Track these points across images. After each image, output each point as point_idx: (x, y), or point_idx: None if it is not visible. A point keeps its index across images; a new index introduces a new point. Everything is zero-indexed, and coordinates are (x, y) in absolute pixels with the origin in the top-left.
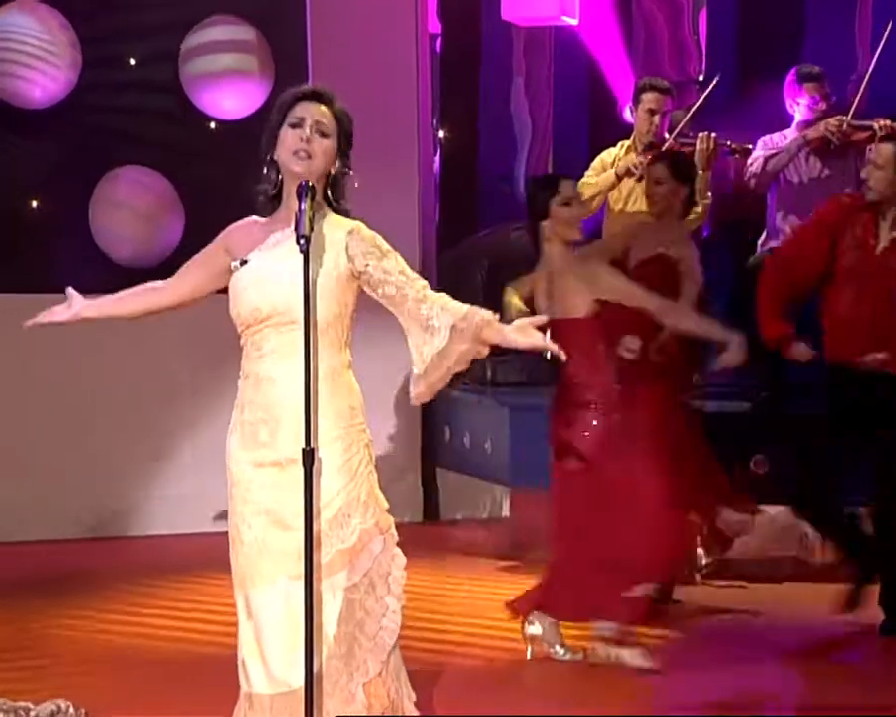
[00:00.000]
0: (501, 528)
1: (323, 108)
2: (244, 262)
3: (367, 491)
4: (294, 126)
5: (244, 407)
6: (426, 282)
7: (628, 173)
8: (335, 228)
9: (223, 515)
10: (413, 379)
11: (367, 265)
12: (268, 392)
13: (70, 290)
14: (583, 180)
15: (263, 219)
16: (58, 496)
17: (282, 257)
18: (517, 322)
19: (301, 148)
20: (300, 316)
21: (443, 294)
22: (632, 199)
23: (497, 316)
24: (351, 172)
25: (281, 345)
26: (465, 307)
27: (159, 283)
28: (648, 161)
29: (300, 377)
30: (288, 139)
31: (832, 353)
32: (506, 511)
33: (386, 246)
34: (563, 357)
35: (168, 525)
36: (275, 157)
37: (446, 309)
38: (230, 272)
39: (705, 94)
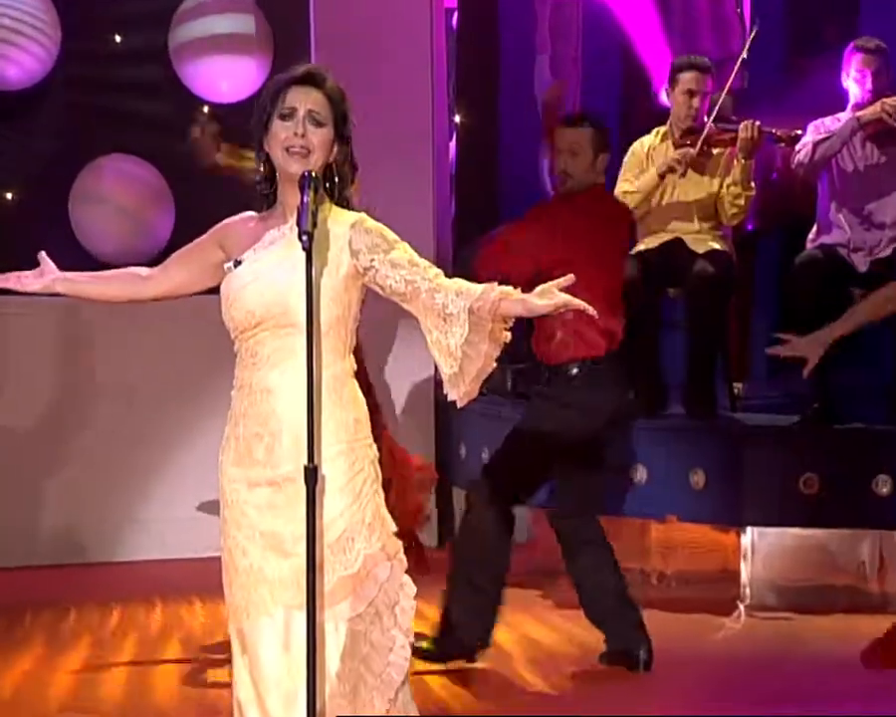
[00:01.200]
0: (522, 553)
1: (315, 93)
2: (238, 263)
3: (373, 512)
4: (285, 117)
5: (238, 420)
6: (439, 269)
7: (671, 171)
8: (335, 222)
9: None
10: (448, 380)
11: (373, 260)
12: (264, 404)
13: (43, 255)
14: (622, 188)
15: (258, 215)
16: (34, 519)
17: (278, 256)
18: (538, 288)
19: (295, 144)
20: (299, 319)
21: (457, 279)
22: (668, 190)
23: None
24: (353, 159)
25: (278, 351)
26: (479, 286)
27: (144, 270)
28: (697, 153)
29: (300, 387)
30: (280, 133)
31: None
32: (528, 534)
33: (392, 235)
34: (593, 311)
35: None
36: (266, 149)
37: (461, 293)
38: (222, 271)
39: (745, 49)
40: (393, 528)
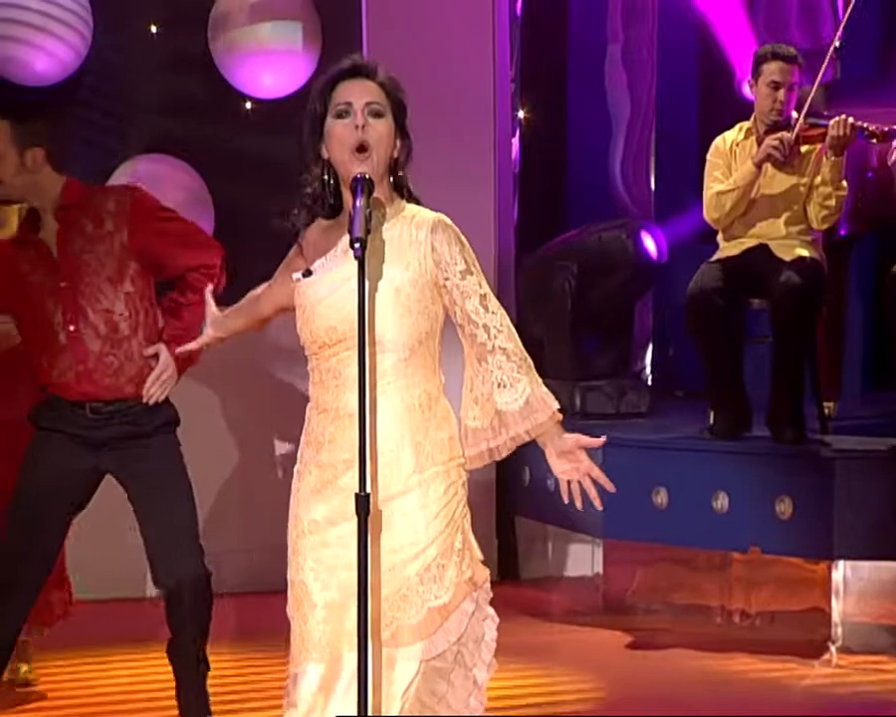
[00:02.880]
0: (591, 588)
1: (369, 83)
2: (308, 273)
3: (462, 537)
4: (340, 115)
5: (321, 446)
6: (505, 321)
7: (769, 158)
8: (414, 223)
9: None
10: (463, 429)
11: (447, 279)
12: (354, 429)
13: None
14: (714, 189)
15: (326, 222)
16: None
17: (355, 265)
18: (574, 438)
19: (356, 141)
20: (388, 336)
21: (517, 349)
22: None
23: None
24: (411, 151)
25: (367, 371)
26: (532, 395)
27: (258, 289)
28: (805, 132)
29: (393, 409)
30: (337, 132)
31: None
32: (597, 568)
33: (470, 254)
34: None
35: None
36: (324, 155)
37: (516, 384)
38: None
39: (836, 37)
40: (479, 555)
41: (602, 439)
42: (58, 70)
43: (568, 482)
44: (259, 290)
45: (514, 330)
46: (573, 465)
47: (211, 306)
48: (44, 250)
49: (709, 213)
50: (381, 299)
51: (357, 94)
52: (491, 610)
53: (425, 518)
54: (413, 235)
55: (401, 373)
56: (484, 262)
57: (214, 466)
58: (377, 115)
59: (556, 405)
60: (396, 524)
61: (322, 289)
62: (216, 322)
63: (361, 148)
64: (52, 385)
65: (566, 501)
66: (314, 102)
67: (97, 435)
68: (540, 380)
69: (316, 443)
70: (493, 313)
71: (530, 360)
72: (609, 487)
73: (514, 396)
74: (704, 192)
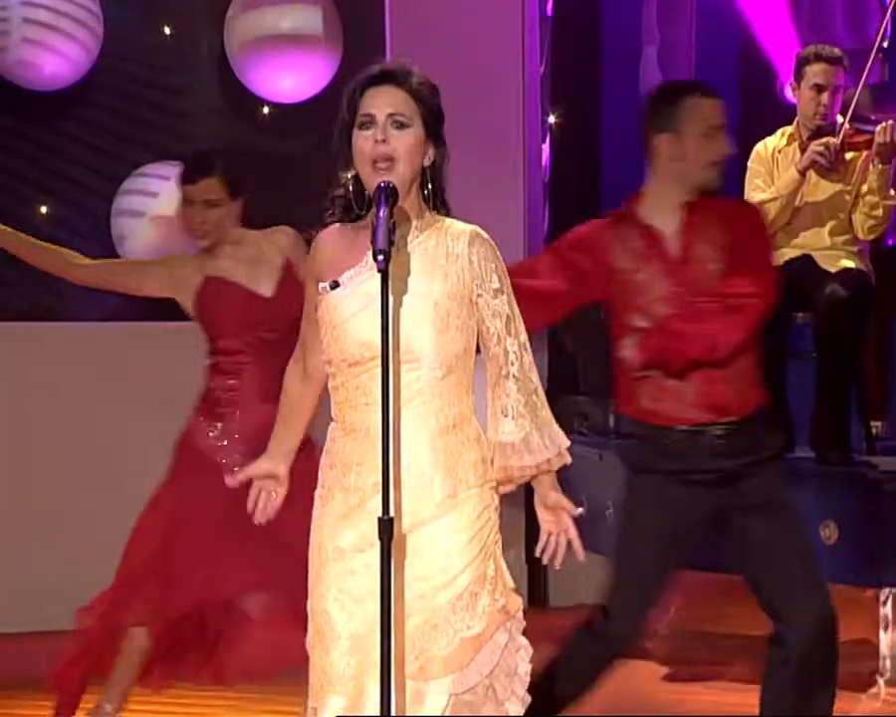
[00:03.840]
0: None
1: (395, 92)
2: (335, 284)
3: (495, 564)
4: (363, 126)
5: (348, 469)
6: (525, 349)
7: (814, 166)
8: (449, 235)
9: None
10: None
11: (480, 296)
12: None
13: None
14: (755, 198)
15: (349, 227)
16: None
17: (392, 278)
18: (556, 498)
19: (377, 154)
20: (425, 352)
21: (529, 382)
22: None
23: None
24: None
25: (399, 390)
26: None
27: (297, 370)
28: (850, 138)
29: (426, 430)
30: (359, 144)
31: None
32: None
33: (504, 273)
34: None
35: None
36: (356, 167)
37: (521, 417)
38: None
39: (879, 36)
40: (511, 583)
41: (579, 511)
42: (68, 72)
43: (548, 534)
44: (295, 372)
45: (532, 359)
46: (555, 519)
47: None
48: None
49: None
50: (419, 313)
51: (381, 104)
52: (524, 641)
53: (458, 544)
54: (450, 247)
55: (436, 393)
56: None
57: None
58: (401, 126)
59: (550, 455)
60: (427, 550)
61: (352, 303)
62: None
63: (381, 161)
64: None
65: (538, 553)
66: (343, 107)
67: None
68: (548, 419)
69: (342, 466)
70: (514, 338)
71: (541, 396)
72: (580, 556)
73: (512, 429)
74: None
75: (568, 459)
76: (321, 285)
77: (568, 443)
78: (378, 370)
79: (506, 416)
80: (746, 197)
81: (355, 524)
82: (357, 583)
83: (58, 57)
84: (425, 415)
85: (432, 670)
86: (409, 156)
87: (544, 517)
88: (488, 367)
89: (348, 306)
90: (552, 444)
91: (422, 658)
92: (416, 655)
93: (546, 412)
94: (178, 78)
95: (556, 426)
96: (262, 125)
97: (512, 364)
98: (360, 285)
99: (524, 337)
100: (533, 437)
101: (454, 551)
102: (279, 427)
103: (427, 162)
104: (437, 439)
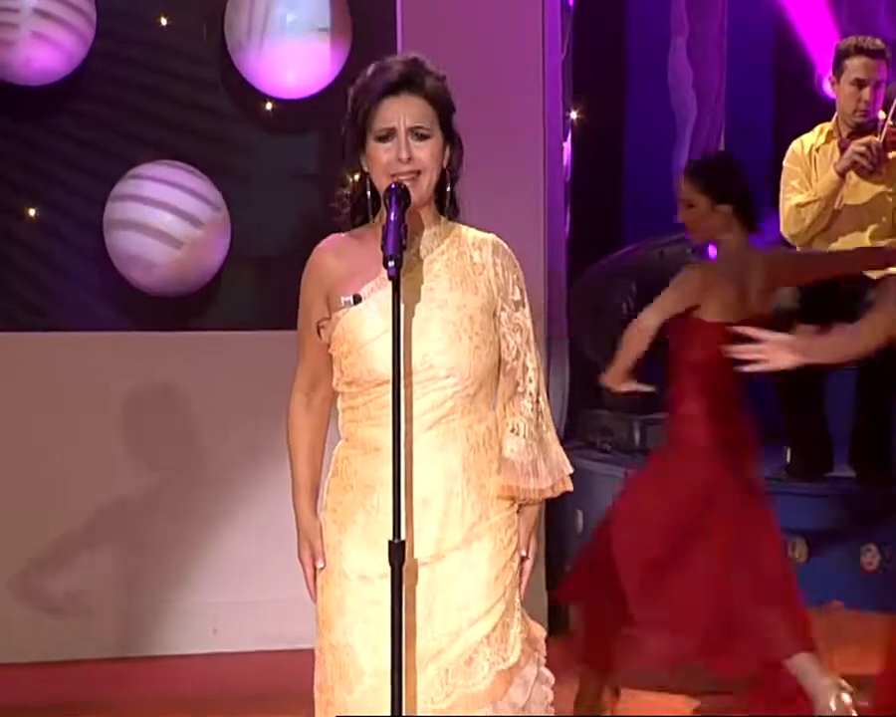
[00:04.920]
0: None
1: (415, 100)
2: (358, 299)
3: (521, 592)
4: (383, 138)
5: (370, 492)
6: (540, 366)
7: (854, 166)
8: (472, 244)
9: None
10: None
11: (502, 309)
12: (416, 469)
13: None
14: (792, 201)
15: (354, 235)
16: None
17: (415, 291)
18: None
19: (402, 170)
20: (461, 369)
21: (542, 401)
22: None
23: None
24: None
25: (429, 410)
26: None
27: (304, 402)
28: (893, 136)
29: (455, 450)
30: (380, 156)
31: None
32: None
33: (524, 284)
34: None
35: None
36: (365, 168)
37: (526, 447)
38: (336, 307)
39: None
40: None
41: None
42: (61, 64)
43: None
44: (300, 404)
45: (543, 377)
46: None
47: None
48: None
49: (786, 228)
50: (453, 327)
51: (402, 115)
52: (547, 672)
53: (493, 572)
54: (476, 257)
55: (468, 409)
56: (532, 281)
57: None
58: (423, 137)
59: (553, 481)
60: (460, 579)
61: (378, 321)
62: None
63: (405, 176)
64: None
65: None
66: (355, 113)
67: None
68: (552, 442)
69: (362, 488)
70: (534, 353)
71: (548, 418)
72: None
73: (522, 449)
74: (780, 204)
75: (570, 486)
76: (343, 300)
77: (571, 470)
78: (408, 387)
79: (517, 435)
80: (781, 199)
81: (379, 552)
82: (384, 613)
83: (48, 49)
84: (457, 433)
85: (464, 707)
86: (434, 165)
87: (525, 542)
88: (502, 382)
89: (375, 323)
90: (555, 470)
91: (454, 696)
92: (448, 693)
93: (550, 434)
94: (175, 70)
95: (558, 448)
96: (266, 123)
97: (530, 381)
98: (385, 300)
99: (538, 350)
100: (539, 462)
101: (491, 579)
102: (304, 470)
103: (445, 164)
104: (469, 458)
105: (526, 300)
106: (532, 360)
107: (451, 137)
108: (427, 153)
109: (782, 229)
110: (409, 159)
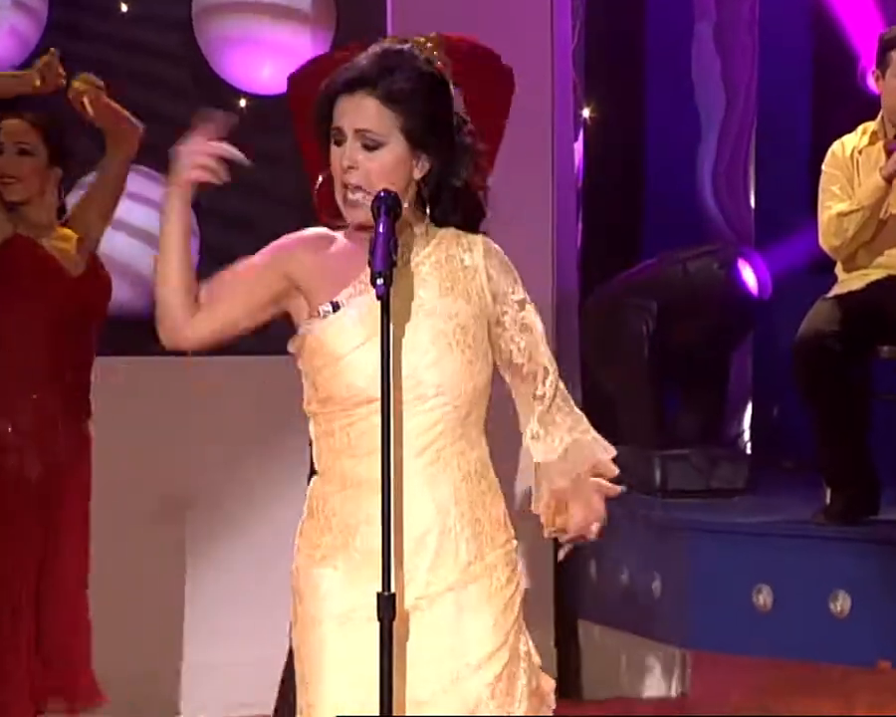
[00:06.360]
0: (676, 710)
1: (366, 101)
2: (336, 307)
3: (525, 639)
4: (336, 141)
5: (353, 530)
6: (554, 367)
7: None
8: (459, 245)
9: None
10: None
11: (505, 314)
12: (401, 508)
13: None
14: (832, 209)
15: (339, 234)
16: None
17: (399, 298)
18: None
19: (350, 181)
20: (452, 387)
21: (568, 396)
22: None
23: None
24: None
25: (413, 434)
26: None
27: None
28: None
29: (446, 480)
30: (333, 162)
31: None
32: (682, 688)
33: (521, 283)
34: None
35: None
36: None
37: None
38: (285, 309)
39: None
40: (538, 660)
41: (620, 488)
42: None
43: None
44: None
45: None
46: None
47: None
48: None
49: (826, 239)
50: (443, 340)
51: (348, 117)
52: None
53: (491, 616)
54: (466, 259)
55: (459, 434)
56: (540, 301)
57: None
58: (373, 145)
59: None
60: (456, 623)
61: (358, 331)
62: None
63: (350, 190)
64: None
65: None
66: (319, 108)
67: None
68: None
69: (342, 528)
70: (547, 348)
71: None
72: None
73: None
74: (819, 213)
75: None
76: (321, 308)
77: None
78: (393, 407)
79: (537, 440)
80: (820, 208)
81: (364, 590)
82: (371, 662)
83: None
84: (448, 461)
85: None
86: (383, 180)
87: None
88: (520, 391)
89: (354, 333)
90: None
91: None
92: None
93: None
94: (138, 65)
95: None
96: (239, 120)
97: (550, 385)
98: (365, 307)
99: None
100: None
101: (489, 623)
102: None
103: (419, 175)
104: (461, 489)
105: (528, 297)
106: (550, 361)
107: (429, 146)
108: (376, 165)
109: (821, 240)
110: (350, 168)
